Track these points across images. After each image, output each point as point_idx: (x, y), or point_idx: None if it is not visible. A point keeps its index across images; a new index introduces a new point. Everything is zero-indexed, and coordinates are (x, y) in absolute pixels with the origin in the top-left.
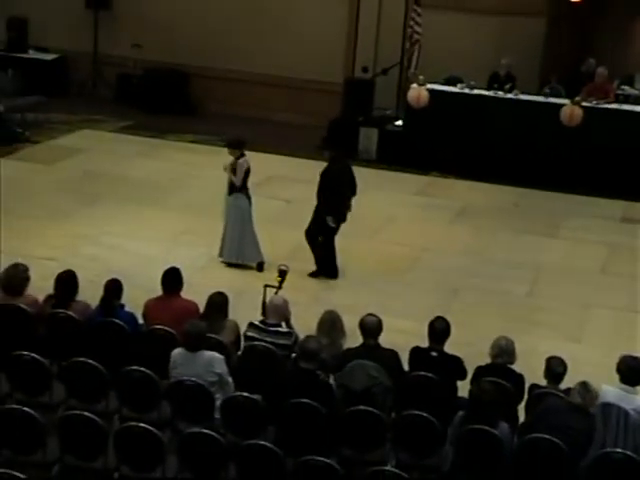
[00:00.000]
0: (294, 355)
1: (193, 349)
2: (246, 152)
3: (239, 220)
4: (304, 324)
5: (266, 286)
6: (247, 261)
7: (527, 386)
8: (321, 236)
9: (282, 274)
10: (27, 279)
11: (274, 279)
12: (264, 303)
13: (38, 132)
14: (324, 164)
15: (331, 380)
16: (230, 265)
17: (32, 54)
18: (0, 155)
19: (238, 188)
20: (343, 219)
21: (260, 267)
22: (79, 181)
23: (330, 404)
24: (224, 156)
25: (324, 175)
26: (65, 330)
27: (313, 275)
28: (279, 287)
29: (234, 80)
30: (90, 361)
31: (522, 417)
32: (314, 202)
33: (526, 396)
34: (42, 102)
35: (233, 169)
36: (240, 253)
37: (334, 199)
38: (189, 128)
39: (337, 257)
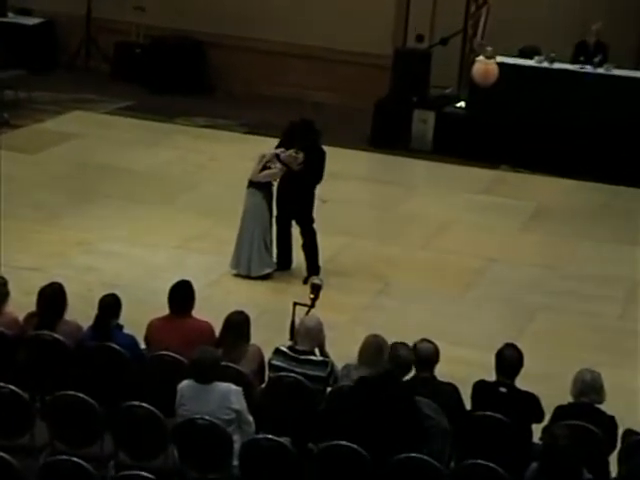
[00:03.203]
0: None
1: (205, 380)
2: (275, 141)
3: (249, 221)
4: (342, 351)
5: (296, 304)
6: (255, 273)
7: (620, 431)
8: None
9: (315, 290)
10: (6, 294)
11: (306, 296)
12: (293, 325)
13: (19, 114)
14: (370, 155)
15: None
16: (251, 277)
17: (12, 18)
18: None
19: (257, 185)
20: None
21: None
22: (69, 174)
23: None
24: (246, 145)
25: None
26: (50, 356)
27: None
28: (312, 305)
29: (260, 52)
30: (80, 395)
31: (614, 470)
32: (358, 202)
33: (619, 444)
34: (24, 77)
35: (264, 165)
36: (250, 264)
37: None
38: (204, 110)
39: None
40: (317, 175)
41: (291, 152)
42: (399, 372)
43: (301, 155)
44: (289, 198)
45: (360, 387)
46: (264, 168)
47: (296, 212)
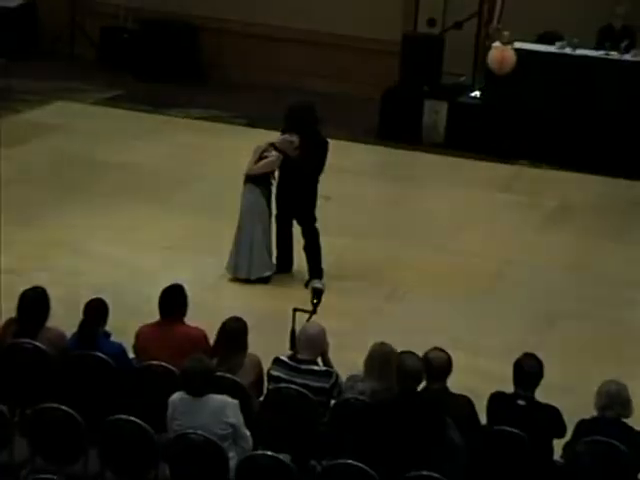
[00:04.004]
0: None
1: (199, 393)
2: (276, 134)
3: (247, 220)
4: (347, 361)
5: (296, 310)
6: (255, 276)
7: None
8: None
9: (317, 294)
10: None
11: (307, 301)
12: (294, 332)
13: None
14: (377, 149)
15: None
16: (248, 281)
17: None
18: None
19: (255, 179)
20: None
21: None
22: (52, 170)
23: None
24: (244, 138)
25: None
26: (31, 366)
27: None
28: (313, 311)
29: (258, 36)
30: (63, 408)
31: None
32: (364, 200)
33: None
34: (2, 64)
35: (260, 156)
36: (250, 266)
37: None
38: (198, 100)
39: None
40: (315, 164)
41: (285, 136)
42: (408, 384)
43: (295, 138)
44: (289, 195)
45: (380, 407)
46: (260, 160)
47: (297, 210)
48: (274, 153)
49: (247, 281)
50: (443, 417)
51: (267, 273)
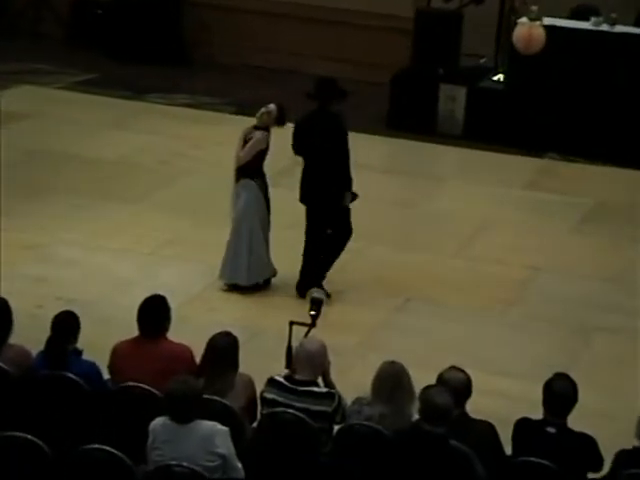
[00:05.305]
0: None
1: (184, 419)
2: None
3: (245, 219)
4: (352, 381)
5: (293, 323)
6: (251, 282)
7: None
8: (329, 228)
9: (316, 305)
10: None
11: (306, 313)
12: (290, 349)
13: None
14: (387, 141)
15: None
16: (239, 291)
17: None
18: None
19: (249, 172)
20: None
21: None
22: (16, 164)
23: None
24: (235, 128)
25: (315, 131)
26: None
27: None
28: (312, 325)
29: (249, 12)
30: (28, 436)
31: None
32: (372, 199)
33: None
34: None
35: (245, 141)
36: (248, 271)
37: (343, 166)
38: (182, 85)
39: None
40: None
41: (261, 109)
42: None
43: (272, 106)
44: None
45: (393, 436)
46: (244, 145)
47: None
48: (257, 132)
49: (239, 288)
50: (469, 456)
51: (267, 276)
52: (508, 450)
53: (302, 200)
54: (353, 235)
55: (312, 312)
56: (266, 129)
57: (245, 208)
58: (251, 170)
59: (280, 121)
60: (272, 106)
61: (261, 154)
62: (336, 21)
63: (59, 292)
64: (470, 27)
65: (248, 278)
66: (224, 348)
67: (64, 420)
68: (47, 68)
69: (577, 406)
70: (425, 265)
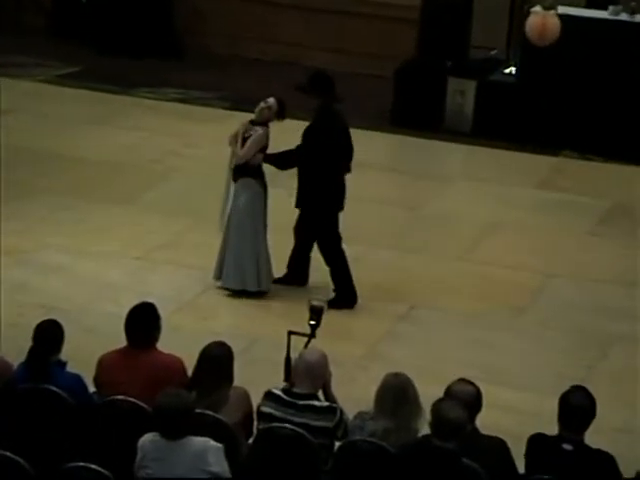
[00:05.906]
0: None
1: (174, 435)
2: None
3: (249, 219)
4: (354, 395)
5: (291, 333)
6: (262, 288)
7: None
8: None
9: (316, 313)
10: None
11: (305, 322)
12: (289, 361)
13: None
14: (391, 138)
15: None
16: (235, 295)
17: None
18: None
19: (248, 171)
20: (341, 205)
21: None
22: None
23: None
24: (229, 124)
25: (310, 136)
26: None
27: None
28: (312, 334)
29: (245, 1)
30: (8, 454)
31: None
32: (375, 200)
33: None
34: None
35: (243, 139)
36: (243, 274)
37: (327, 173)
38: (173, 78)
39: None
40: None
41: (260, 104)
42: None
43: (272, 100)
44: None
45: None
46: (243, 143)
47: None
48: (257, 128)
49: (234, 294)
50: (481, 475)
51: (269, 286)
52: (521, 468)
53: (297, 205)
54: (354, 239)
55: (312, 322)
56: (265, 124)
57: (248, 208)
58: (250, 169)
59: (280, 115)
60: (272, 100)
61: (262, 151)
62: (337, 10)
63: (41, 299)
64: (480, 16)
65: (258, 283)
66: (218, 359)
67: (47, 436)
68: (28, 60)
69: (594, 421)
70: (430, 270)
